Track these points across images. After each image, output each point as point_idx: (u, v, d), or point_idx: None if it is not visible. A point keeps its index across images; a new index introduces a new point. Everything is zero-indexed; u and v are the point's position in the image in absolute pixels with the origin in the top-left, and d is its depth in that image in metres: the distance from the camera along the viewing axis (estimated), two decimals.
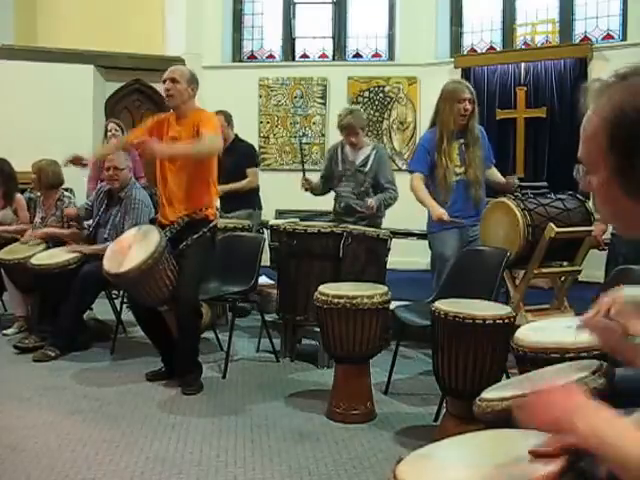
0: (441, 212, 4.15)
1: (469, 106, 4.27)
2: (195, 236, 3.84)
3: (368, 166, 4.77)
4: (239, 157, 5.59)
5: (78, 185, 5.28)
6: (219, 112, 5.62)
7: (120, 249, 3.85)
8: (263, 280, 5.56)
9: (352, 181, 4.80)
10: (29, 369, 4.19)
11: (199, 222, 3.90)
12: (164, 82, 3.94)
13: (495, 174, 4.60)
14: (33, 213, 5.31)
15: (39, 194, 5.22)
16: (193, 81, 3.97)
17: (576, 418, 1.11)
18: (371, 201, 4.63)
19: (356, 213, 4.76)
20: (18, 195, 5.42)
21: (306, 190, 4.97)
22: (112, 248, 3.93)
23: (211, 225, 3.95)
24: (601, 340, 1.54)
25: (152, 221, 4.20)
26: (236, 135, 5.75)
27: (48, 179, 5.02)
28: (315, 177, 5.06)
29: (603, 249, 4.25)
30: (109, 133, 5.95)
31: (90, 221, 4.86)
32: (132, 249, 3.77)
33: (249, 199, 5.70)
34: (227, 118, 5.66)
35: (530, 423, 1.20)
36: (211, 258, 4.09)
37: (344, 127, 4.76)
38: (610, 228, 4.14)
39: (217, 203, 5.24)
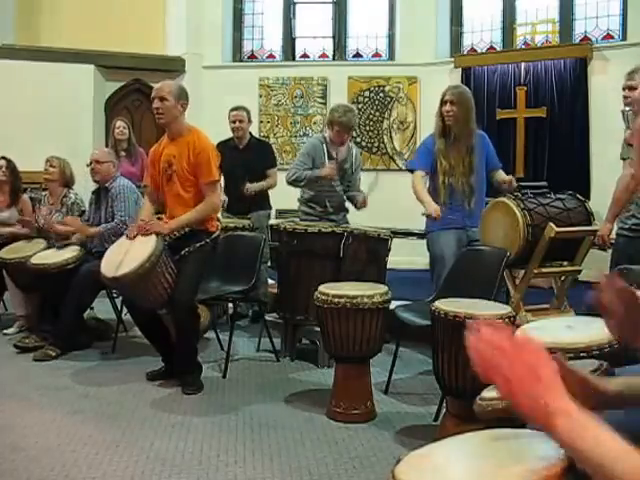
0: (434, 208, 4.11)
1: (448, 107, 4.22)
2: (198, 244, 3.85)
3: (349, 163, 4.87)
4: (260, 157, 5.54)
5: (77, 185, 5.28)
6: (240, 108, 5.56)
7: (118, 252, 3.84)
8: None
9: (338, 178, 4.82)
10: (29, 368, 4.19)
11: (201, 232, 3.92)
12: (153, 100, 3.89)
13: (501, 174, 4.56)
14: (36, 211, 5.31)
15: (46, 189, 5.23)
16: (182, 96, 3.88)
17: (549, 405, 1.02)
18: (363, 197, 4.87)
19: (346, 210, 4.92)
20: (24, 196, 5.42)
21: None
22: (109, 252, 3.92)
23: (213, 236, 3.96)
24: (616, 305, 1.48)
25: None
26: (251, 133, 5.70)
27: (67, 176, 5.13)
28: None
29: (608, 248, 4.21)
30: (117, 130, 5.95)
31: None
32: (130, 252, 3.76)
33: (262, 200, 5.60)
34: (248, 115, 5.59)
35: (476, 363, 1.08)
36: (211, 261, 4.10)
37: (343, 124, 4.64)
38: (616, 228, 4.13)
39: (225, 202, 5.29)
